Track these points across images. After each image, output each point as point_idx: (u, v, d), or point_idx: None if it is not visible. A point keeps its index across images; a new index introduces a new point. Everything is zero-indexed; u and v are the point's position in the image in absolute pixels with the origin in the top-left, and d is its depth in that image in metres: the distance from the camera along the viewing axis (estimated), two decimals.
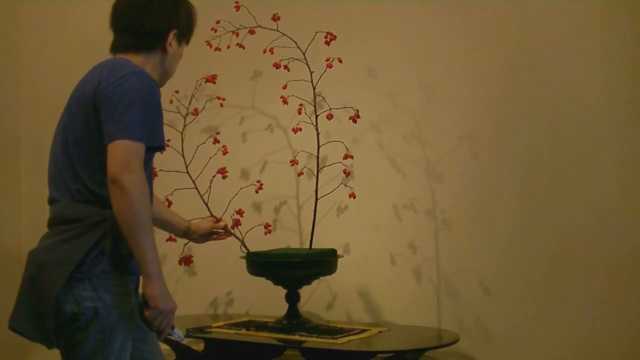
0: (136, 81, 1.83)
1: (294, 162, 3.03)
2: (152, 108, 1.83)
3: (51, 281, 1.77)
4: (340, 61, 2.88)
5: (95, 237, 1.79)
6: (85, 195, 1.82)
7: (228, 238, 2.58)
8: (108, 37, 2.04)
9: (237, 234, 2.89)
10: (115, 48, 2.01)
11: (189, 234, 2.41)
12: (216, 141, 3.04)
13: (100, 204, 1.81)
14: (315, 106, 2.90)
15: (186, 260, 2.95)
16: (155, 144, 1.83)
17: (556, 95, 2.87)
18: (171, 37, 2.00)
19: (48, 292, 1.77)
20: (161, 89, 1.97)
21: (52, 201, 1.91)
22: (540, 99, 2.89)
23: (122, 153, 1.74)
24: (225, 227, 2.51)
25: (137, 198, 1.72)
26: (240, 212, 2.89)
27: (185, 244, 2.96)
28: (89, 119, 1.84)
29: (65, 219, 1.84)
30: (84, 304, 1.77)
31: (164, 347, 2.97)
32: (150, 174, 1.93)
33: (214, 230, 2.48)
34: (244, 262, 2.82)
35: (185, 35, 2.06)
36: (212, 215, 2.58)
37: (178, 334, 1.93)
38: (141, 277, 1.84)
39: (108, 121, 1.78)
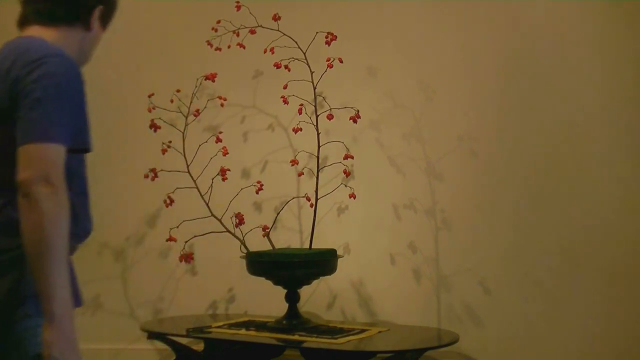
0: (58, 66, 1.46)
1: (294, 162, 3.03)
2: (77, 101, 1.48)
3: None
4: (341, 61, 2.88)
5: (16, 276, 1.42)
6: None
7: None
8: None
9: (238, 234, 2.90)
10: (27, 19, 1.63)
11: None
12: (219, 140, 3.03)
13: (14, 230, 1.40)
14: (315, 106, 2.90)
15: (187, 257, 2.95)
16: (81, 146, 1.50)
17: (556, 96, 2.88)
18: (97, 14, 1.67)
19: None
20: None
21: None
22: (539, 98, 2.89)
23: (36, 159, 1.37)
24: None
25: (50, 215, 1.34)
26: (240, 217, 2.91)
27: (187, 242, 2.96)
28: None
29: None
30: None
31: (163, 347, 2.97)
32: (84, 185, 1.58)
33: None
34: (244, 262, 2.82)
35: (106, 17, 1.72)
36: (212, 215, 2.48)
37: None
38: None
39: (21, 118, 1.41)
